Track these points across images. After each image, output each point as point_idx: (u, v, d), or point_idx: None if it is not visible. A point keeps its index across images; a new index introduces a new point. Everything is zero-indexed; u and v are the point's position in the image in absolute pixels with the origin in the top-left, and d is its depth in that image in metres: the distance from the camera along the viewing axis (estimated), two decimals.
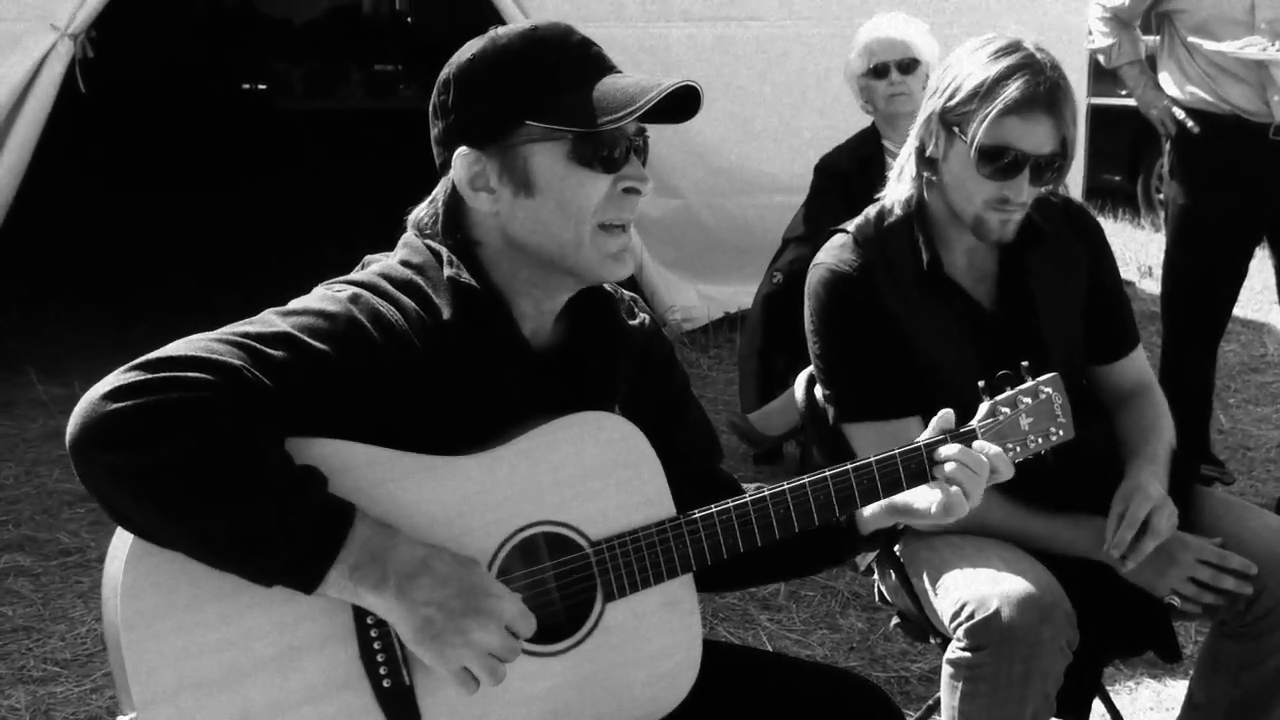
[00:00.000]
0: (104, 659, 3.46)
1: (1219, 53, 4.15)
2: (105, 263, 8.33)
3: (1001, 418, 2.04)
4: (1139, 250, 8.54)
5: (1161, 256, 4.76)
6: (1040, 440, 2.08)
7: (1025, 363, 2.12)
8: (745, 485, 2.05)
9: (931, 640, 2.58)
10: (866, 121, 4.54)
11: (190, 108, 12.68)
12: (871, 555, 2.67)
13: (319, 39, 14.81)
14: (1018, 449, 2.05)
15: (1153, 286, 7.12)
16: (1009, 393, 2.07)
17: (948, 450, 1.93)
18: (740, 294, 5.98)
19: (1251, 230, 4.56)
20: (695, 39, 6.24)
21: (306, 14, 15.64)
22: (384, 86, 14.02)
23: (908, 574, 2.52)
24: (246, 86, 14.75)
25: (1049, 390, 2.10)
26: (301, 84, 13.71)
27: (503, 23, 1.84)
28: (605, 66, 1.78)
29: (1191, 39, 4.30)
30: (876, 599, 2.78)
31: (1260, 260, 5.41)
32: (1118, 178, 10.08)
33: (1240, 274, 4.60)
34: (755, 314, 4.88)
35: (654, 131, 1.83)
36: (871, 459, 1.92)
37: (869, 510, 2.01)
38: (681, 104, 1.77)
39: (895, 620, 2.74)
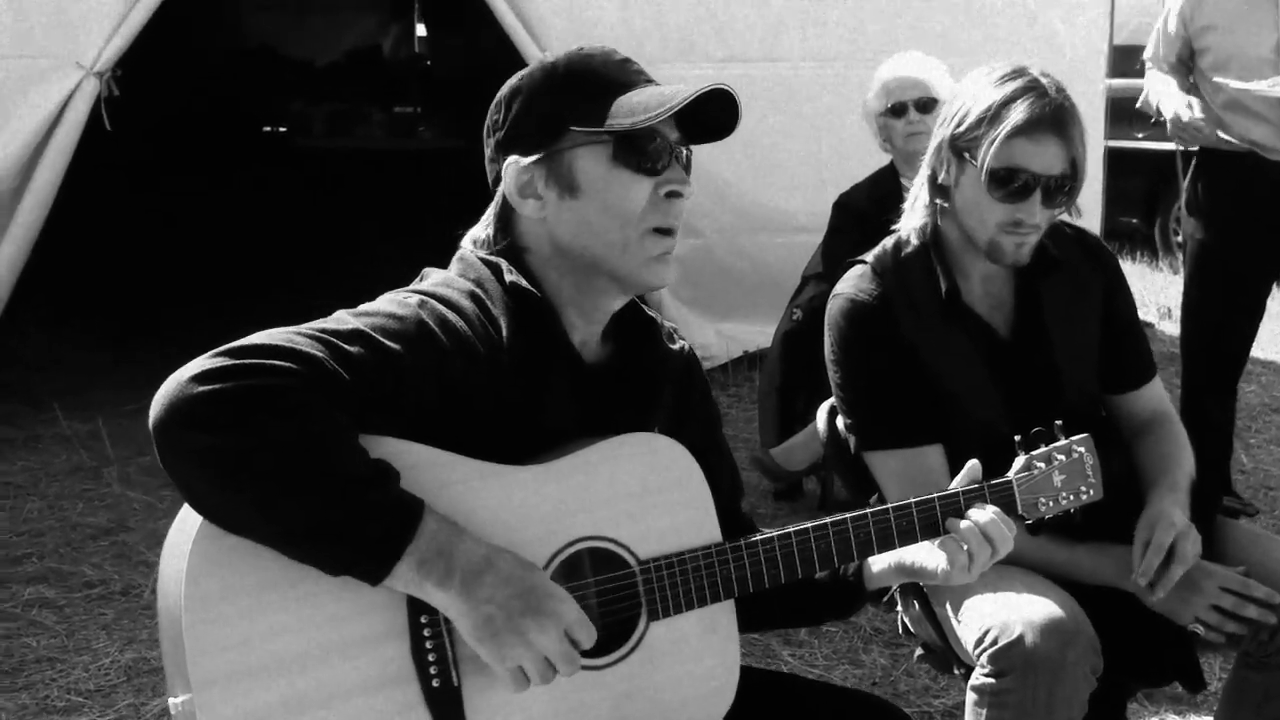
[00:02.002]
0: (127, 689, 3.48)
1: (1244, 91, 4.17)
2: (128, 298, 8.39)
3: (1037, 472, 2.08)
4: (1158, 293, 8.54)
5: (1180, 298, 4.77)
6: (1071, 498, 2.12)
7: (1059, 421, 2.15)
8: (762, 529, 2.07)
9: (955, 671, 2.58)
10: (885, 160, 4.57)
11: (211, 146, 12.79)
12: (894, 587, 2.68)
13: (340, 81, 14.96)
14: (1050, 504, 2.10)
15: (1172, 328, 7.11)
16: (1044, 449, 2.11)
17: (977, 513, 1.94)
18: (759, 333, 6.01)
19: (1269, 266, 4.58)
20: (716, 80, 6.28)
21: (327, 56, 15.81)
22: (403, 127, 14.17)
23: (930, 603, 2.53)
24: (268, 129, 14.88)
25: (1081, 450, 2.14)
26: (322, 125, 13.85)
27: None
28: (646, 80, 1.86)
29: (1216, 78, 4.32)
30: (899, 630, 2.78)
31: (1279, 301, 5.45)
32: (1135, 220, 10.11)
33: (1259, 309, 4.61)
34: (775, 351, 4.90)
35: None
36: (911, 501, 1.95)
37: (877, 567, 2.03)
38: (723, 119, 1.86)
39: (919, 652, 2.74)
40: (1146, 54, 4.69)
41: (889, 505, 1.94)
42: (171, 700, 1.62)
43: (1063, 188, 2.41)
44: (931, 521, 1.94)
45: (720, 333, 6.59)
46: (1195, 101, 4.38)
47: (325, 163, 12.96)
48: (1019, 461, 2.09)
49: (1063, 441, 2.12)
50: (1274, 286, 4.79)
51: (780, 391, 4.79)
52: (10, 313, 5.74)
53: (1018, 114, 2.34)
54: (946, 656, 2.57)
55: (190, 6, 9.12)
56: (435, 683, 1.67)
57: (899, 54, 4.49)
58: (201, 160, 12.43)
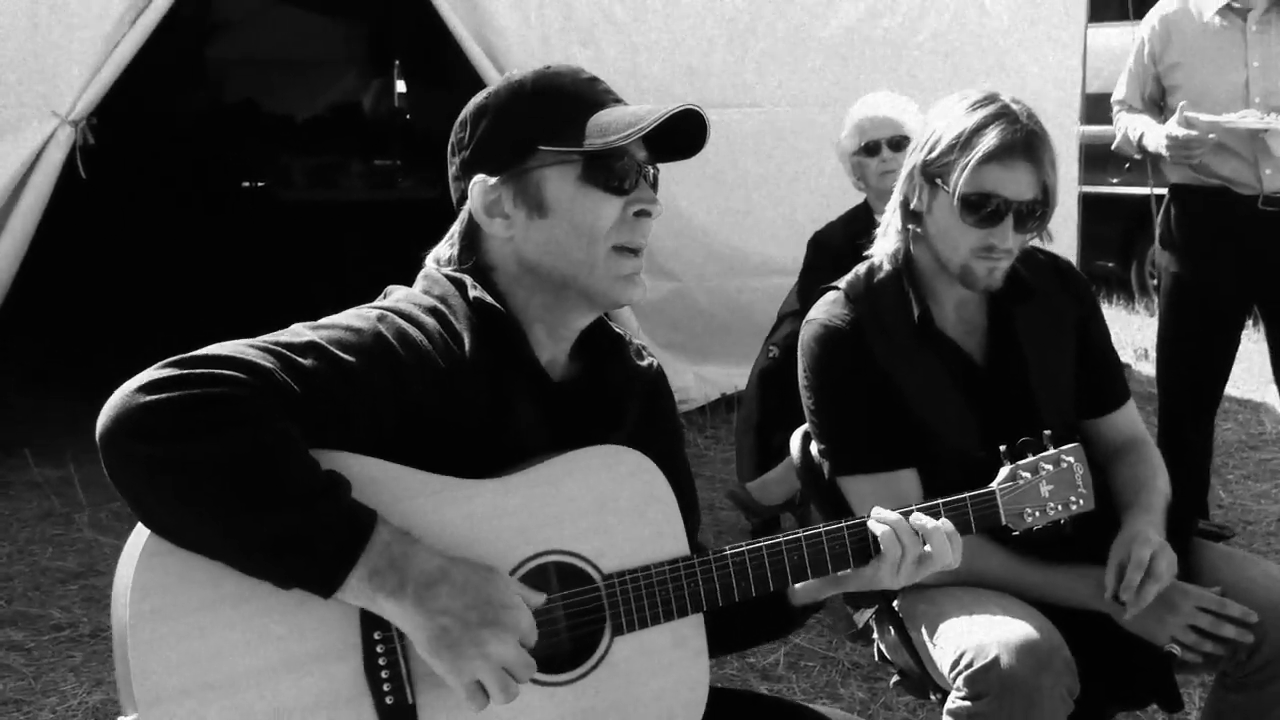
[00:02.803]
0: None
1: (1214, 124, 4.19)
2: (101, 345, 8.33)
3: (1022, 482, 2.06)
4: (1134, 334, 8.56)
5: (1155, 340, 4.78)
6: (1060, 508, 2.09)
7: (1048, 431, 2.14)
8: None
9: (932, 696, 2.55)
10: (860, 200, 4.58)
11: (190, 198, 12.79)
12: (869, 613, 2.66)
13: (321, 135, 15.00)
14: (1037, 514, 2.07)
15: (1148, 369, 7.13)
16: (1030, 458, 2.09)
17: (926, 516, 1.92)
18: (736, 376, 5.97)
19: (1242, 299, 4.59)
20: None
21: (308, 111, 15.87)
22: (383, 179, 14.21)
23: (906, 629, 2.51)
24: (247, 184, 14.90)
25: (1070, 459, 2.11)
26: (303, 178, 13.88)
27: None
28: (614, 99, 1.85)
29: (1187, 114, 4.35)
30: (875, 657, 2.75)
31: (1257, 341, 5.45)
32: (1110, 264, 10.16)
33: (1233, 341, 4.62)
34: (751, 389, 4.88)
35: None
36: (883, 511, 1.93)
37: (801, 583, 1.98)
38: (690, 139, 1.84)
39: (895, 678, 2.71)
40: (1115, 97, 4.71)
41: (862, 516, 1.92)
42: (121, 719, 1.58)
43: (1034, 213, 2.41)
44: None
45: (699, 376, 6.57)
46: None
47: (306, 214, 12.97)
48: (1003, 471, 2.07)
49: (1051, 451, 2.10)
50: (1248, 323, 4.80)
51: (758, 429, 4.76)
52: None
53: (989, 140, 2.35)
54: (923, 682, 2.54)
55: (169, 62, 9.12)
56: (389, 700, 1.63)
57: (871, 93, 4.51)
58: (181, 211, 12.41)
